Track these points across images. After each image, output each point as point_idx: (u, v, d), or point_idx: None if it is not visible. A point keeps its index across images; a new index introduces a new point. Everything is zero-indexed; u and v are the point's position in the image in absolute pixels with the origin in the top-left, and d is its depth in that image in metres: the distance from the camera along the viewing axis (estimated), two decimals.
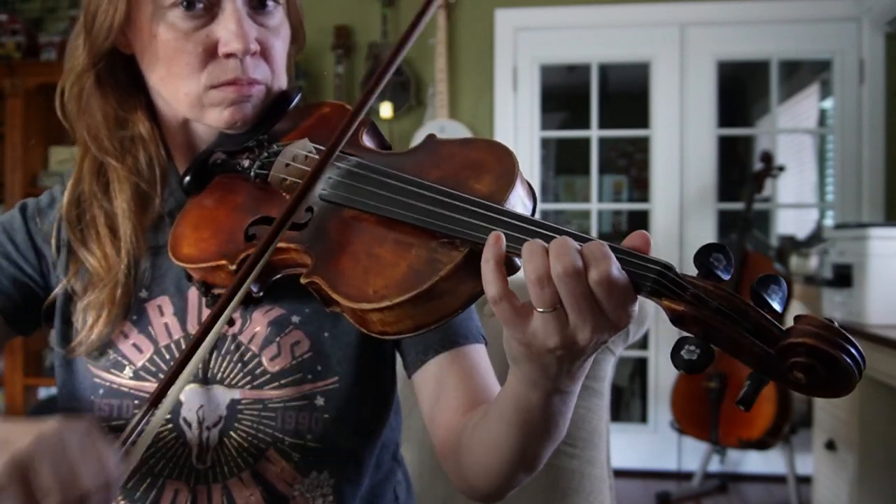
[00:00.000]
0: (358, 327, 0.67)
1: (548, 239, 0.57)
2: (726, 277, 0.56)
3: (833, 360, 0.51)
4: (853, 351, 0.52)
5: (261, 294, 0.77)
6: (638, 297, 0.57)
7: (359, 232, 0.69)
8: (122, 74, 0.86)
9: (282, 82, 0.85)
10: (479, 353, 0.86)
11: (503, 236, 0.59)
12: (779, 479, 3.36)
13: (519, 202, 0.66)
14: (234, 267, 0.73)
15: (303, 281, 0.68)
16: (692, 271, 0.57)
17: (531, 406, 0.67)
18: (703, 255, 0.56)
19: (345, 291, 0.65)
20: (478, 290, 0.63)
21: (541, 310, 0.57)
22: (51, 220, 0.90)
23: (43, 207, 0.91)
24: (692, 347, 0.54)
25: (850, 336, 0.52)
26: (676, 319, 0.56)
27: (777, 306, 0.55)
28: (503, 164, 0.68)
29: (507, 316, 0.58)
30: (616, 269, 0.55)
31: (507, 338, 0.61)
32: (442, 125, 3.54)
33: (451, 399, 0.83)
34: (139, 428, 0.64)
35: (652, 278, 0.55)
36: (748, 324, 0.54)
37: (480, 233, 0.60)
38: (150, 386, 0.84)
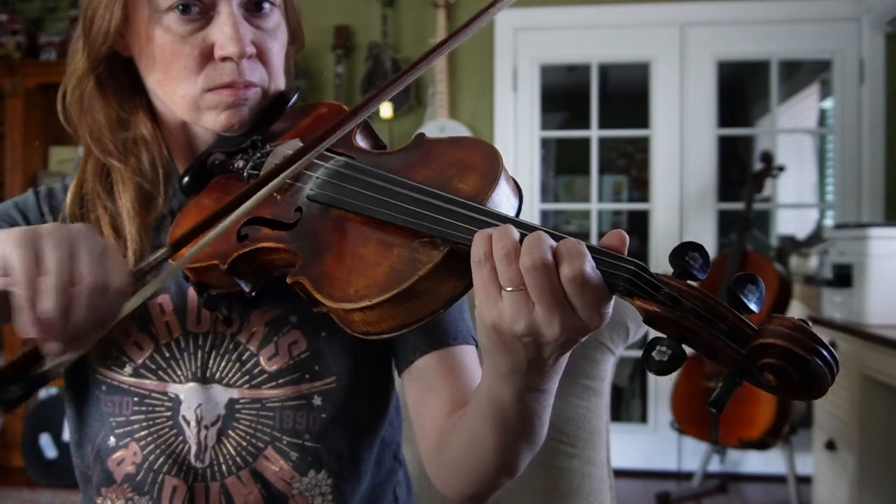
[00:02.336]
0: (343, 327, 0.67)
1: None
2: (702, 277, 0.55)
3: (804, 362, 0.50)
4: (825, 353, 0.51)
5: (253, 294, 0.77)
6: (612, 298, 0.56)
7: (344, 232, 0.69)
8: (123, 77, 0.86)
9: (279, 83, 0.85)
10: (468, 355, 0.86)
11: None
12: (779, 479, 3.36)
13: (504, 200, 0.66)
14: (225, 267, 0.74)
15: (288, 281, 0.68)
16: None
17: (505, 403, 0.66)
18: (679, 255, 0.55)
19: (328, 292, 0.65)
20: (459, 290, 0.63)
21: (509, 288, 0.56)
22: (61, 204, 0.90)
23: (56, 193, 0.93)
24: (663, 348, 0.53)
25: (822, 339, 0.51)
26: (650, 320, 0.55)
27: (754, 307, 0.54)
28: (488, 162, 0.68)
29: (485, 283, 0.57)
30: (590, 267, 0.54)
31: (479, 322, 0.60)
32: (442, 125, 3.54)
33: (437, 399, 0.83)
34: (154, 262, 0.66)
35: (625, 278, 0.55)
36: (722, 325, 0.53)
37: (460, 232, 0.61)
38: (150, 383, 0.85)
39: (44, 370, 0.63)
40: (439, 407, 0.82)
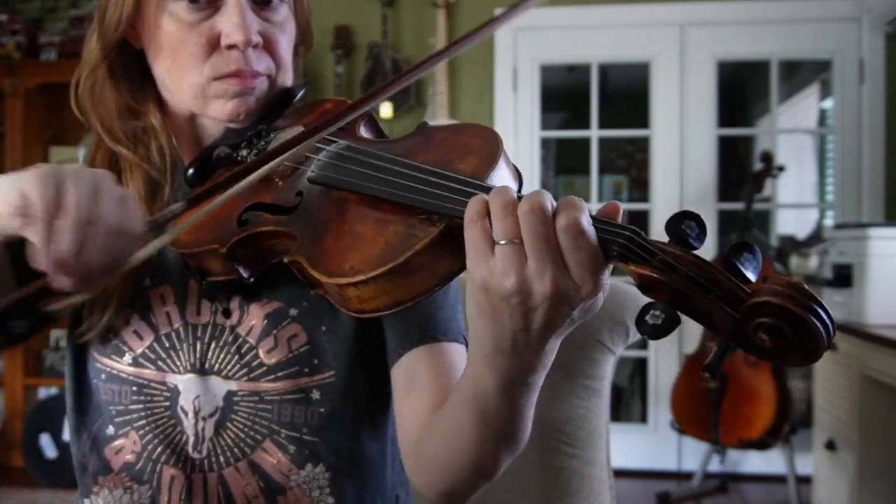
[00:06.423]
0: (339, 307, 0.67)
1: None
2: (698, 246, 0.54)
3: (799, 321, 0.49)
4: (821, 312, 0.50)
5: (252, 280, 0.77)
6: (608, 265, 0.56)
7: (344, 212, 0.70)
8: (134, 68, 0.88)
9: (286, 77, 0.86)
10: (456, 353, 0.85)
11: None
12: (779, 479, 3.36)
13: (502, 182, 0.65)
14: (224, 251, 0.74)
15: (285, 260, 0.69)
16: None
17: (487, 391, 0.64)
18: (675, 223, 0.55)
19: (324, 268, 0.65)
20: (455, 268, 0.63)
21: (502, 242, 0.55)
22: None
23: None
24: (657, 312, 0.52)
25: (818, 297, 0.50)
26: (644, 286, 0.55)
27: (750, 275, 0.53)
28: (488, 145, 0.68)
29: (478, 239, 0.57)
30: (586, 220, 0.54)
31: (469, 285, 0.59)
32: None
33: (422, 393, 0.82)
34: (170, 214, 0.69)
35: (620, 242, 0.54)
36: (718, 291, 0.52)
37: (458, 206, 0.60)
38: (149, 372, 0.86)
39: (51, 309, 0.65)
40: (423, 402, 0.81)
